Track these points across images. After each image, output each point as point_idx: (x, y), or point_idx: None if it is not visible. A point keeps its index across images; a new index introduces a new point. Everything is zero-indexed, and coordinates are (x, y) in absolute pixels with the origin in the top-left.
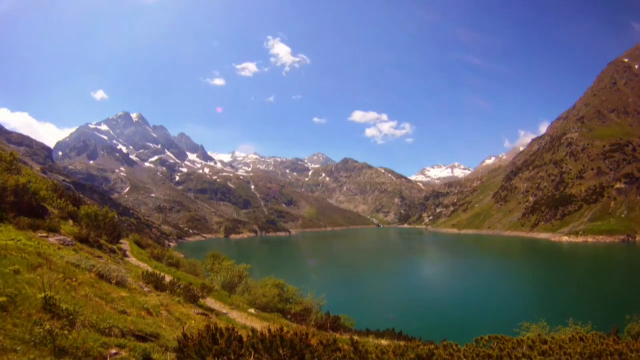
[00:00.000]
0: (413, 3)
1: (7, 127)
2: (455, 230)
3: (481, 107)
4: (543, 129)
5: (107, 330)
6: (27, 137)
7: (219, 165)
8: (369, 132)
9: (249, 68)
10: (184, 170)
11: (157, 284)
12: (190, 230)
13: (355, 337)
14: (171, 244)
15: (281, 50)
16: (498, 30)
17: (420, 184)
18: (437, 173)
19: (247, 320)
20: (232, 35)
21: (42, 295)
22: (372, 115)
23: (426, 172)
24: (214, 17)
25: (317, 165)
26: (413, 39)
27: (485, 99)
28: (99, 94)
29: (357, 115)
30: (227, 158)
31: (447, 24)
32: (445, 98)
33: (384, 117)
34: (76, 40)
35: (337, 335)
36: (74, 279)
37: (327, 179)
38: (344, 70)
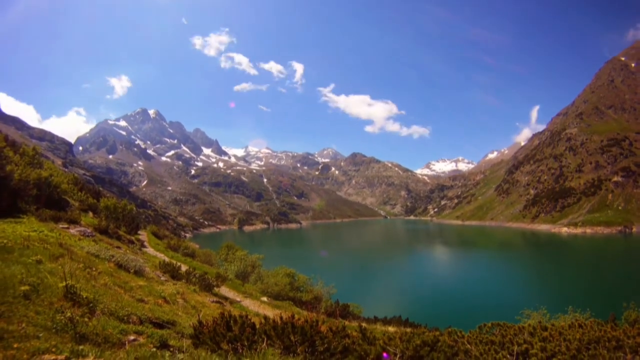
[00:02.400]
0: (428, 2)
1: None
2: (459, 222)
3: (485, 104)
4: (543, 125)
5: (125, 318)
6: (49, 133)
7: (232, 159)
8: (378, 127)
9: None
10: (200, 164)
11: (174, 274)
12: (205, 222)
13: (364, 324)
14: (187, 235)
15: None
16: (501, 29)
17: (426, 178)
18: (442, 167)
19: (259, 308)
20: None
21: (64, 284)
22: (381, 109)
23: (431, 166)
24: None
25: (326, 160)
26: (424, 36)
27: (490, 95)
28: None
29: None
30: (240, 152)
31: (455, 21)
32: (451, 94)
33: (394, 109)
34: (94, 38)
35: (346, 323)
36: (94, 269)
37: (337, 172)
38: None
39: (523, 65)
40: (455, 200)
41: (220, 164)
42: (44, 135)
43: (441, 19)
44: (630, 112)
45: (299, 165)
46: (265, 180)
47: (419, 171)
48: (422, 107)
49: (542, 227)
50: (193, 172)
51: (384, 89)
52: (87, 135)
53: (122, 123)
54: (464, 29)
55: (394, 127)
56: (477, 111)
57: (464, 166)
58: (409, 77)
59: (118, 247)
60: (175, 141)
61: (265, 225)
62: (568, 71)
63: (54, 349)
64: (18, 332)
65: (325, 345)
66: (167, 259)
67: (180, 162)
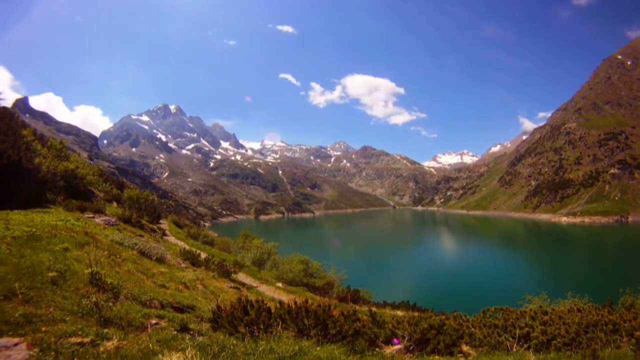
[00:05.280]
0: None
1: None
2: (464, 212)
3: (489, 99)
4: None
5: (148, 303)
6: (75, 127)
7: (249, 152)
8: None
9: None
10: (218, 157)
11: (194, 261)
12: (224, 212)
13: (374, 309)
14: (206, 224)
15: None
16: (505, 27)
17: (433, 170)
18: (448, 159)
19: (275, 294)
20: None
21: (89, 270)
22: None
23: (438, 158)
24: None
25: (338, 153)
26: (432, 32)
27: (494, 91)
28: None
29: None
30: (256, 146)
31: (463, 18)
32: (457, 89)
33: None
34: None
35: (357, 307)
36: (118, 256)
37: (348, 164)
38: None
39: (525, 62)
40: (461, 191)
41: (238, 157)
42: (70, 130)
43: (448, 15)
44: (626, 108)
45: (312, 157)
46: (280, 172)
47: (426, 163)
48: (428, 101)
49: (543, 216)
50: (212, 164)
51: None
52: (112, 129)
53: (145, 118)
54: (470, 26)
55: (403, 120)
56: (481, 106)
57: (468, 159)
58: (417, 72)
59: (141, 236)
60: (195, 135)
61: (281, 215)
62: (567, 69)
63: (80, 332)
64: (46, 316)
65: (337, 329)
66: (187, 247)
67: (200, 155)
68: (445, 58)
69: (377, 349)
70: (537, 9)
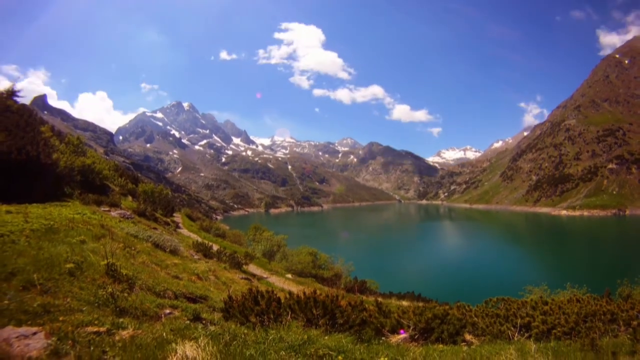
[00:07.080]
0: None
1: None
2: (467, 205)
3: (491, 96)
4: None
5: (162, 293)
6: (92, 124)
7: (260, 148)
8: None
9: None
10: (230, 152)
11: (206, 253)
12: (235, 205)
13: (380, 299)
14: (218, 217)
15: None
16: (508, 26)
17: (437, 165)
18: (451, 155)
19: (284, 284)
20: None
21: (105, 262)
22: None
23: (442, 154)
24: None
25: (346, 148)
26: (437, 31)
27: (496, 88)
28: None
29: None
30: (267, 142)
31: (467, 17)
32: (461, 86)
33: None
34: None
35: (364, 297)
36: (133, 248)
37: (355, 160)
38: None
39: (527, 61)
40: (464, 186)
41: (249, 152)
42: (87, 126)
43: (455, 14)
44: (624, 105)
45: (320, 153)
46: (289, 167)
47: (430, 159)
48: (432, 98)
49: (543, 210)
50: (224, 159)
51: (396, 85)
52: (127, 126)
53: (159, 115)
54: (476, 25)
55: (410, 118)
56: (484, 103)
57: (471, 154)
58: (423, 72)
59: (155, 228)
60: (208, 131)
61: (290, 208)
62: (567, 67)
63: (96, 322)
64: (63, 306)
65: (345, 318)
66: (199, 239)
67: (212, 151)
68: (451, 57)
69: (383, 338)
70: (538, 9)
